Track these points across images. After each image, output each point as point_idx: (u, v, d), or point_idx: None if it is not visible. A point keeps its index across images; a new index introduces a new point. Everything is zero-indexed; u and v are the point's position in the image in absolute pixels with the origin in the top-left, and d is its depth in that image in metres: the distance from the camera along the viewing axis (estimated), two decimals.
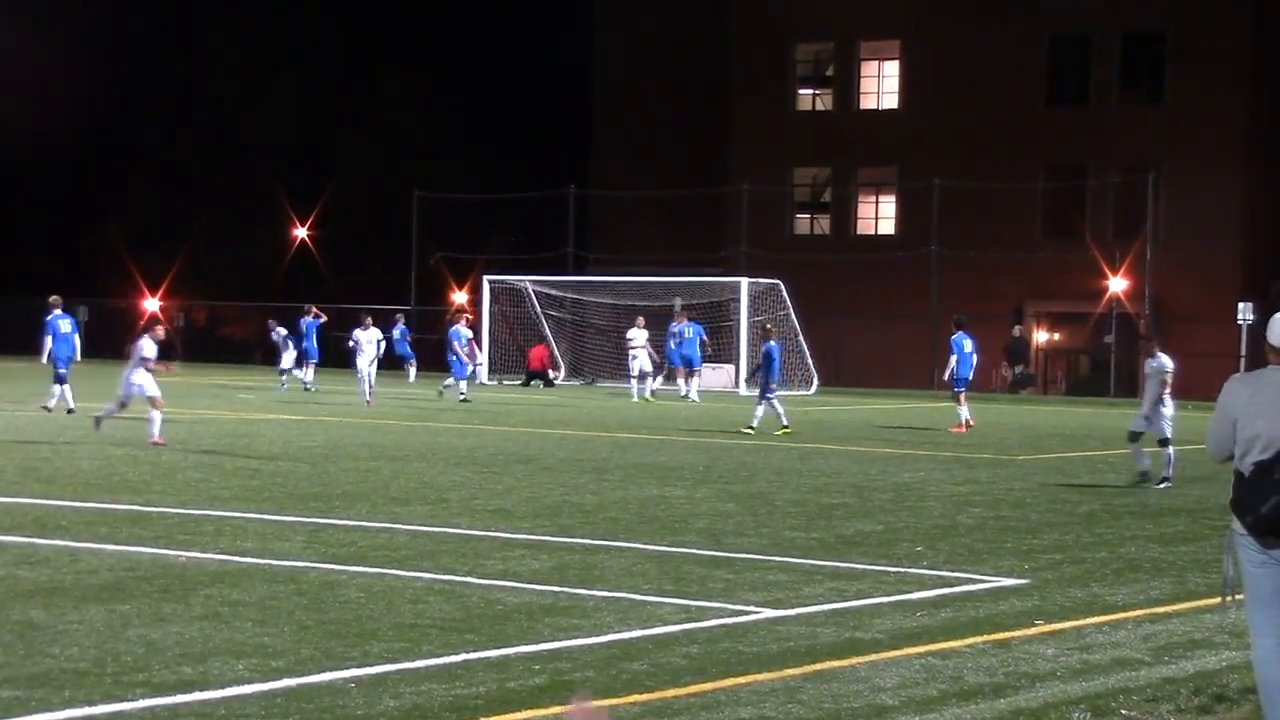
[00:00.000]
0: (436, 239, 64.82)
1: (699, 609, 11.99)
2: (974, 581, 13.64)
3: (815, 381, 50.85)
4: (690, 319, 46.84)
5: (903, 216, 62.19)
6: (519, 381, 52.69)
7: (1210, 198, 56.28)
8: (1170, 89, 58.45)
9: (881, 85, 63.30)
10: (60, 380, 32.22)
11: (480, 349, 48.96)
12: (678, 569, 13.87)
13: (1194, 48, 57.28)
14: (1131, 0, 58.29)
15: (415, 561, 13.91)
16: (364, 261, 76.79)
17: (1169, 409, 22.32)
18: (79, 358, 33.81)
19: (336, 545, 14.85)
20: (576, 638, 10.88)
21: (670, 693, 9.36)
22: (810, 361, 50.97)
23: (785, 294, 51.27)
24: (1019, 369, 55.71)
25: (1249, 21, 57.27)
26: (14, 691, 9.07)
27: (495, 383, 52.22)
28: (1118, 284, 56.65)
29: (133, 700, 8.95)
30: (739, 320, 50.60)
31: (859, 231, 63.71)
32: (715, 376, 50.56)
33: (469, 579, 13.09)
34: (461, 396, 40.55)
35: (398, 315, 51.53)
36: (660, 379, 47.25)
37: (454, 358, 41.93)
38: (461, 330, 42.78)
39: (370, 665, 9.88)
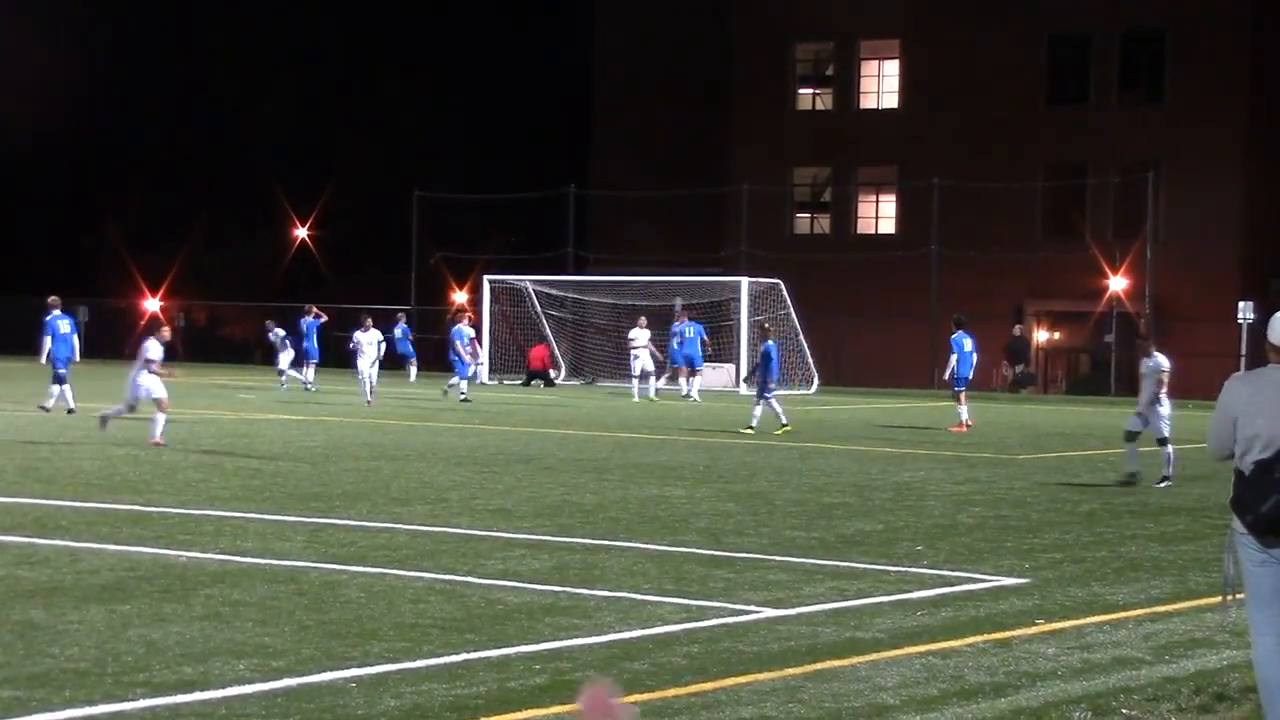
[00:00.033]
0: (436, 239, 64.82)
1: (699, 608, 11.99)
2: (974, 581, 13.64)
3: (815, 381, 50.86)
4: (690, 318, 46.87)
5: (903, 216, 62.20)
6: (519, 381, 52.70)
7: (1210, 198, 56.28)
8: (1170, 89, 58.46)
9: (881, 85, 63.31)
10: (59, 380, 32.18)
11: (481, 348, 48.98)
12: (678, 569, 13.87)
13: (1194, 48, 57.28)
14: (1131, 0, 58.30)
15: (416, 561, 13.91)
16: (364, 261, 76.80)
17: (1165, 408, 22.30)
18: (78, 358, 33.80)
19: (337, 545, 14.84)
20: (577, 637, 10.87)
21: (671, 692, 9.35)
22: (810, 361, 50.98)
23: (785, 294, 51.29)
24: (1019, 368, 55.72)
25: (1249, 21, 57.28)
26: (14, 691, 9.07)
27: (496, 382, 52.23)
28: (1118, 283, 56.67)
29: (133, 700, 8.95)
30: (739, 320, 50.61)
31: (859, 231, 63.73)
32: (716, 376, 50.57)
33: (469, 579, 13.09)
34: (462, 396, 40.56)
35: (399, 315, 51.59)
36: (664, 379, 47.29)
37: (456, 357, 41.97)
38: (464, 329, 42.84)
39: (371, 665, 9.87)
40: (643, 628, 11.27)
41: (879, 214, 63.84)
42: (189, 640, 10.50)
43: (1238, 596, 8.52)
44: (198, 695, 9.10)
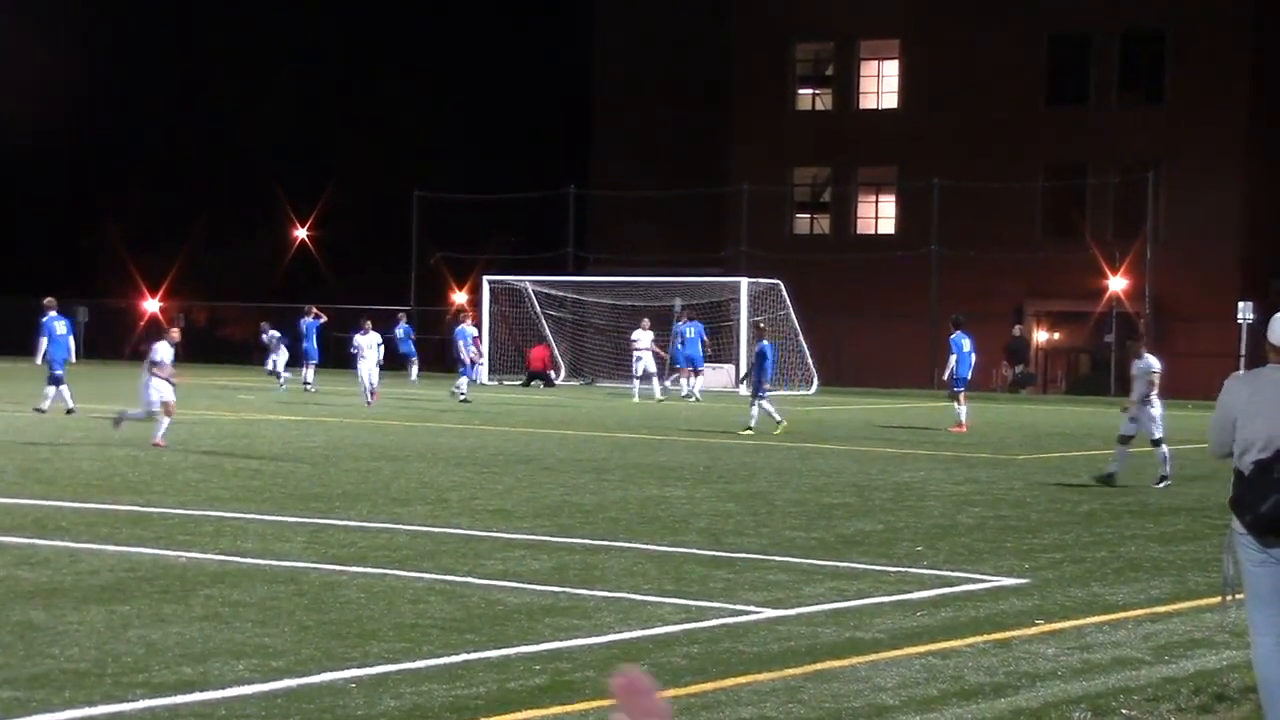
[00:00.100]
0: (436, 239, 64.81)
1: (699, 609, 11.99)
2: (974, 581, 13.64)
3: (815, 381, 50.86)
4: (690, 318, 46.89)
5: (902, 216, 62.20)
6: (519, 382, 52.70)
7: (1210, 198, 56.28)
8: (1170, 89, 58.46)
9: (881, 85, 63.31)
10: (56, 381, 32.08)
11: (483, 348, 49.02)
12: (678, 569, 13.87)
13: (1194, 48, 57.28)
14: (1131, 0, 58.30)
15: (416, 562, 13.91)
16: (364, 261, 76.78)
17: (1156, 409, 22.24)
18: (74, 359, 33.75)
19: (337, 545, 14.85)
20: (577, 638, 10.87)
21: (671, 693, 9.35)
22: (810, 361, 50.97)
23: (785, 294, 51.27)
24: (1019, 368, 55.72)
25: (1249, 21, 57.27)
26: (14, 692, 9.07)
27: (495, 383, 52.23)
28: (1118, 284, 56.67)
29: (133, 701, 8.95)
30: (739, 320, 50.61)
31: (859, 231, 63.72)
32: (716, 376, 50.57)
33: (469, 579, 13.09)
34: (461, 396, 40.57)
35: (400, 315, 51.59)
36: (669, 381, 47.32)
37: (461, 359, 42.07)
38: (467, 329, 42.92)
39: (370, 665, 9.88)
40: (642, 628, 11.28)
41: (879, 214, 63.84)
42: (189, 641, 10.50)
43: (1237, 597, 8.52)
44: (198, 696, 9.10)
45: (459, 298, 64.52)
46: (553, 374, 53.58)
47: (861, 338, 57.80)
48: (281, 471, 21.62)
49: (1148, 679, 10.10)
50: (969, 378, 34.32)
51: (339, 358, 53.59)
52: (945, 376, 34.80)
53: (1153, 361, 22.42)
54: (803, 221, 65.21)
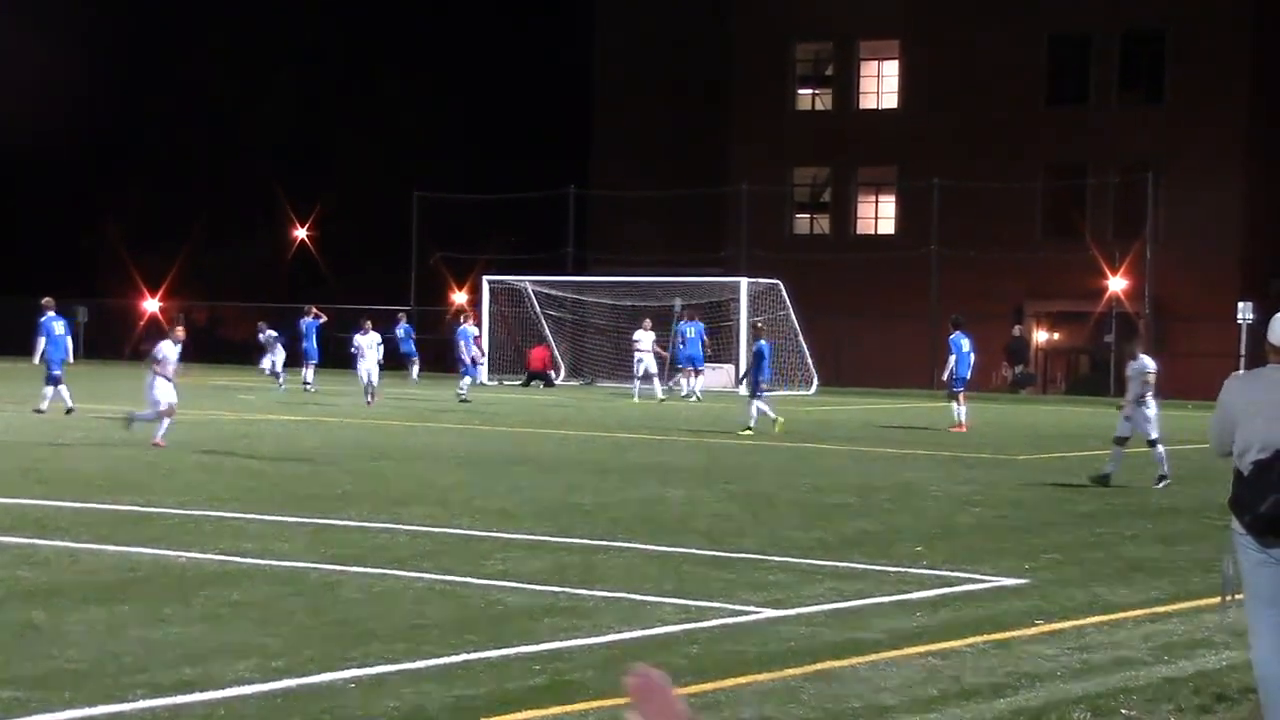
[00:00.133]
0: (436, 239, 64.79)
1: (699, 609, 11.98)
2: (974, 581, 13.64)
3: (815, 381, 50.85)
4: (690, 318, 46.88)
5: (902, 216, 62.20)
6: (519, 382, 52.69)
7: (1210, 198, 56.27)
8: (1170, 89, 58.46)
9: (881, 85, 63.31)
10: (54, 382, 32.07)
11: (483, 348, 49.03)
12: (678, 569, 13.87)
13: (1194, 48, 57.28)
14: (1131, 0, 58.30)
15: (415, 562, 13.90)
16: (364, 262, 76.76)
17: (1151, 409, 22.22)
18: (72, 359, 33.74)
19: (337, 546, 14.84)
20: (576, 638, 10.87)
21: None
22: (810, 361, 50.97)
23: (785, 294, 51.27)
24: (1019, 369, 55.71)
25: (1249, 21, 57.27)
26: (14, 692, 9.07)
27: (495, 383, 52.22)
28: (1117, 284, 56.66)
29: (133, 701, 8.95)
30: (739, 320, 50.61)
31: (859, 231, 63.73)
32: (716, 376, 50.57)
33: (469, 579, 13.09)
34: (462, 396, 40.57)
35: (400, 315, 51.57)
36: (672, 382, 47.33)
37: (463, 359, 42.10)
38: (469, 330, 42.95)
39: (370, 666, 9.88)
40: (642, 628, 11.27)
41: (879, 214, 63.84)
42: (189, 641, 10.50)
43: (1237, 597, 8.52)
44: (198, 696, 9.10)
45: (459, 298, 64.51)
46: (553, 374, 53.57)
47: (861, 338, 57.78)
48: (281, 471, 21.62)
49: (1148, 679, 10.10)
50: (968, 378, 34.32)
51: (339, 358, 53.57)
52: (945, 377, 34.80)
53: (1147, 362, 22.42)
54: (803, 221, 65.22)
